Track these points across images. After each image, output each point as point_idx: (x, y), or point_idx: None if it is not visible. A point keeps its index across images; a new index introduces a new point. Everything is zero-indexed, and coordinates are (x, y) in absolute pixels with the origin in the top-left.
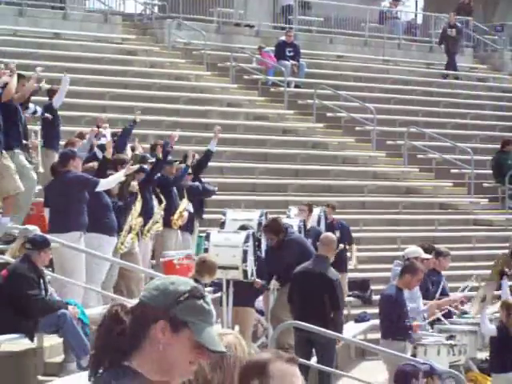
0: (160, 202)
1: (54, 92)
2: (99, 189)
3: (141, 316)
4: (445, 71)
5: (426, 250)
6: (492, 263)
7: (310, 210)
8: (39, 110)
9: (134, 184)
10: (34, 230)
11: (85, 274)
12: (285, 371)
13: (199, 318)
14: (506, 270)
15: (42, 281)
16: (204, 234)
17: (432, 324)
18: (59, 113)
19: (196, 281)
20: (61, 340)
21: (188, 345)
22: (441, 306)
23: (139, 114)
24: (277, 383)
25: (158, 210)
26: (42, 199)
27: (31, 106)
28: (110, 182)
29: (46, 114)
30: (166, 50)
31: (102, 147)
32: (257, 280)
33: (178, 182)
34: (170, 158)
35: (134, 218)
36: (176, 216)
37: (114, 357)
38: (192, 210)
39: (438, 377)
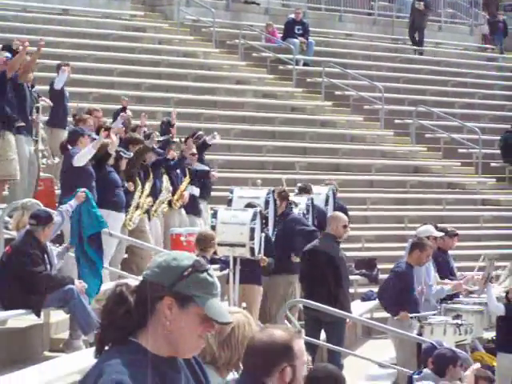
0: (170, 181)
1: (60, 68)
2: (76, 163)
3: (146, 294)
4: (411, 46)
5: (436, 229)
6: (499, 243)
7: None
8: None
9: (131, 184)
10: (37, 203)
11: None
12: (302, 348)
13: (204, 291)
14: None
15: (46, 256)
16: (211, 212)
17: (441, 303)
18: (68, 88)
19: (203, 257)
20: (67, 316)
21: (196, 319)
22: (465, 284)
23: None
24: (299, 362)
25: (166, 191)
26: (50, 175)
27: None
28: (82, 156)
29: (47, 100)
30: (174, 26)
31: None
32: (263, 257)
33: (177, 167)
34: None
35: (143, 197)
36: (176, 196)
37: (120, 335)
38: (197, 194)
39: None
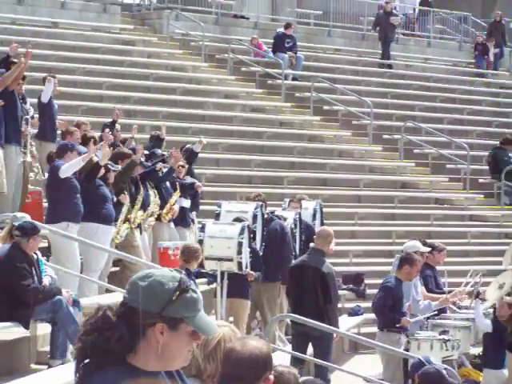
0: (156, 194)
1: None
2: (62, 175)
3: (136, 321)
4: (380, 60)
5: (423, 245)
6: (487, 259)
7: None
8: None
9: (126, 196)
10: (22, 217)
11: (79, 264)
12: None
13: (193, 309)
14: None
15: (33, 268)
16: (199, 226)
17: (427, 319)
18: (56, 101)
19: (186, 270)
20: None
21: (186, 337)
22: (451, 299)
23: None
24: None
25: (153, 204)
26: (38, 188)
27: (28, 104)
28: (70, 167)
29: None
30: (163, 40)
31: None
32: (250, 272)
33: (164, 180)
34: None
35: (134, 211)
36: (165, 210)
37: (109, 358)
38: (188, 206)
39: None
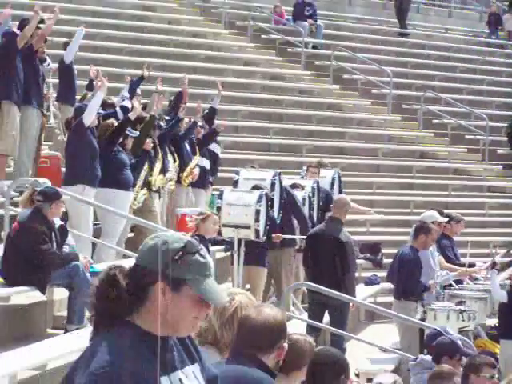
0: (175, 160)
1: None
2: (87, 121)
3: (139, 279)
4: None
5: (441, 215)
6: (504, 230)
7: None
8: (51, 65)
9: (149, 141)
10: (44, 182)
11: (91, 228)
12: None
13: (196, 273)
14: None
15: (53, 233)
16: (217, 193)
17: (444, 289)
18: (76, 66)
19: (200, 237)
20: None
21: (189, 301)
22: (469, 274)
23: (148, 68)
24: None
25: (173, 168)
26: (57, 153)
27: (47, 59)
28: (90, 111)
29: (51, 65)
30: (184, 7)
31: (125, 109)
32: (278, 234)
33: (188, 135)
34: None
35: (154, 175)
36: (186, 173)
37: (114, 317)
38: (208, 167)
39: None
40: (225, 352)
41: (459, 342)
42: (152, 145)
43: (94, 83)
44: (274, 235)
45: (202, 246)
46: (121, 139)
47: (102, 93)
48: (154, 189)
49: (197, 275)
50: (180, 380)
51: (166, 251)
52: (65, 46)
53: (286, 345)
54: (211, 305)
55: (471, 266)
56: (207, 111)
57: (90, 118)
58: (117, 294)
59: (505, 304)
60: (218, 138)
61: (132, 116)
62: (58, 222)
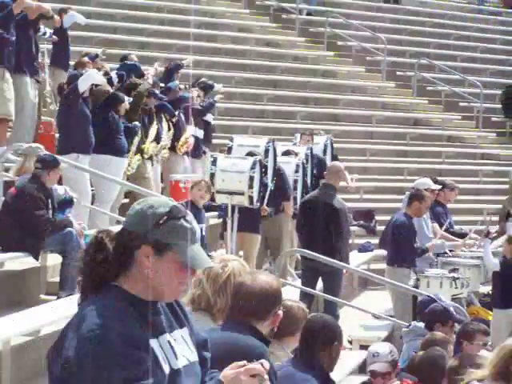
0: (169, 128)
1: (65, 11)
2: (82, 87)
3: (124, 242)
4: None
5: (435, 182)
6: (498, 198)
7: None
8: (48, 31)
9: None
10: (38, 147)
11: (89, 195)
12: None
13: (181, 238)
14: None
15: (49, 200)
16: (211, 159)
17: (437, 256)
18: (70, 32)
19: (192, 204)
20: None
21: (173, 266)
22: (466, 246)
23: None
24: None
25: (166, 136)
26: (50, 119)
27: (41, 27)
28: (89, 76)
29: (54, 36)
30: None
31: (120, 76)
32: (264, 207)
33: (206, 112)
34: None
35: (147, 142)
36: (181, 142)
37: (100, 281)
38: (201, 136)
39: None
40: (218, 318)
41: (452, 309)
42: (146, 114)
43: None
44: (263, 208)
45: (188, 211)
46: (115, 104)
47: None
48: (146, 156)
49: (181, 240)
50: (169, 342)
51: (151, 215)
52: (60, 12)
53: (280, 312)
54: (196, 270)
55: (464, 236)
56: (200, 82)
57: (85, 84)
58: (103, 257)
59: (497, 273)
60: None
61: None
62: (61, 191)
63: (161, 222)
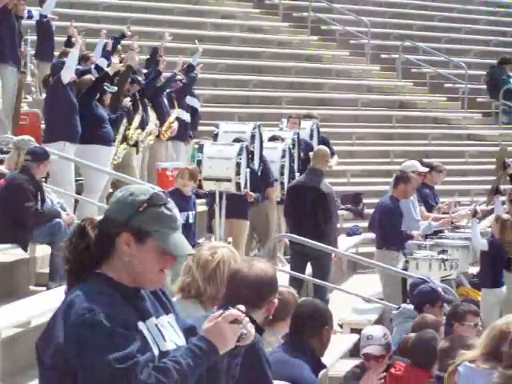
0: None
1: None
2: (65, 79)
3: (105, 230)
4: None
5: (422, 165)
6: (485, 178)
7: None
8: (36, 13)
9: (127, 100)
10: (29, 140)
11: (74, 184)
12: None
13: (161, 225)
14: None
15: (38, 192)
16: (197, 146)
17: (425, 238)
18: (54, 22)
19: (178, 191)
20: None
21: (154, 254)
22: (452, 220)
23: (129, 28)
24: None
25: (152, 123)
26: (36, 110)
27: (26, 10)
28: (67, 67)
29: (44, 19)
30: None
31: (99, 68)
32: (249, 192)
33: (165, 87)
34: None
35: (132, 129)
36: (165, 127)
37: (84, 269)
38: (188, 120)
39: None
40: (208, 306)
41: (440, 290)
42: (130, 101)
43: (73, 40)
44: (248, 193)
45: (169, 199)
46: (98, 95)
47: (76, 50)
48: (130, 143)
49: (161, 228)
50: (156, 326)
51: (131, 202)
52: (40, 1)
53: (276, 300)
54: (176, 259)
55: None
56: (186, 66)
57: (68, 75)
58: (85, 245)
59: (485, 252)
60: (197, 92)
61: (110, 71)
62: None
63: (141, 209)
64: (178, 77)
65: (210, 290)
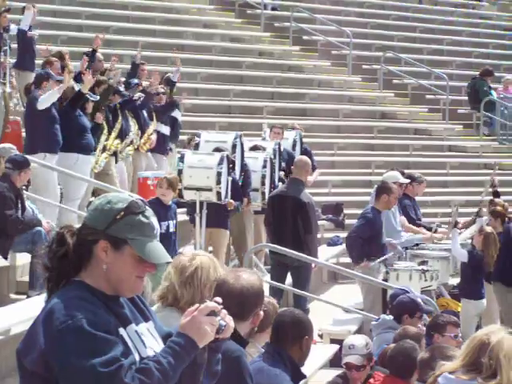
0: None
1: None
2: (40, 106)
3: (83, 237)
4: None
5: (403, 175)
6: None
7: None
8: (13, 28)
9: (100, 115)
10: (11, 148)
11: (58, 194)
12: None
13: (138, 233)
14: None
15: (19, 200)
16: (178, 155)
17: (406, 249)
18: (36, 31)
19: (157, 200)
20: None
21: (131, 261)
22: (434, 239)
23: (102, 36)
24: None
25: (132, 134)
26: (17, 118)
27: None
28: (46, 99)
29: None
30: None
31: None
32: (230, 201)
33: (142, 107)
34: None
35: (111, 139)
36: (143, 140)
37: (62, 276)
38: (167, 133)
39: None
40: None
41: (419, 300)
42: (110, 111)
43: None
44: (227, 201)
45: (147, 207)
46: (80, 103)
47: (65, 86)
48: (109, 153)
49: (138, 235)
50: (136, 332)
51: (108, 210)
52: (22, 9)
53: (261, 312)
54: (153, 266)
55: (429, 229)
56: (165, 79)
57: (44, 104)
58: (64, 252)
59: (466, 264)
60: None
61: (83, 90)
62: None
63: (118, 217)
64: (161, 90)
65: (186, 295)
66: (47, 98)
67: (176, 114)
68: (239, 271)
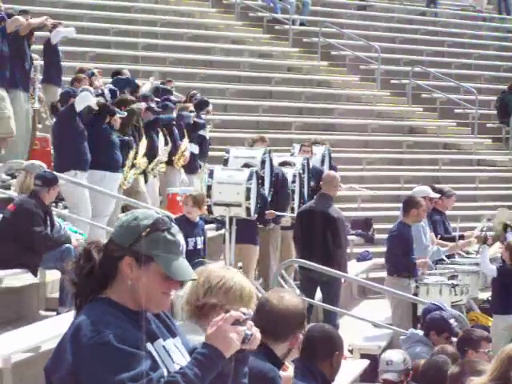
0: (166, 142)
1: (55, 27)
2: (78, 107)
3: (109, 253)
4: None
5: (433, 190)
6: (495, 204)
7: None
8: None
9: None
10: (40, 165)
11: (90, 211)
12: None
13: (164, 250)
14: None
15: (48, 217)
16: (208, 171)
17: (436, 263)
18: (62, 48)
19: (184, 217)
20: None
21: (156, 278)
22: (462, 247)
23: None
24: None
25: (163, 151)
26: (46, 134)
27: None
28: (81, 98)
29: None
30: None
31: (113, 92)
32: (271, 211)
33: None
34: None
35: (139, 157)
36: (177, 156)
37: (89, 292)
38: (196, 151)
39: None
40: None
41: (452, 321)
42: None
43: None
44: (267, 212)
45: (173, 224)
46: (107, 119)
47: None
48: (137, 171)
49: (164, 252)
50: (164, 347)
51: (134, 227)
52: (52, 27)
53: (301, 335)
54: (178, 283)
55: (461, 238)
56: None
57: (82, 105)
58: (90, 268)
59: (496, 279)
60: (206, 117)
61: (95, 106)
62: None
63: (144, 233)
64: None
65: (208, 300)
66: (81, 98)
67: (203, 132)
68: (282, 292)
